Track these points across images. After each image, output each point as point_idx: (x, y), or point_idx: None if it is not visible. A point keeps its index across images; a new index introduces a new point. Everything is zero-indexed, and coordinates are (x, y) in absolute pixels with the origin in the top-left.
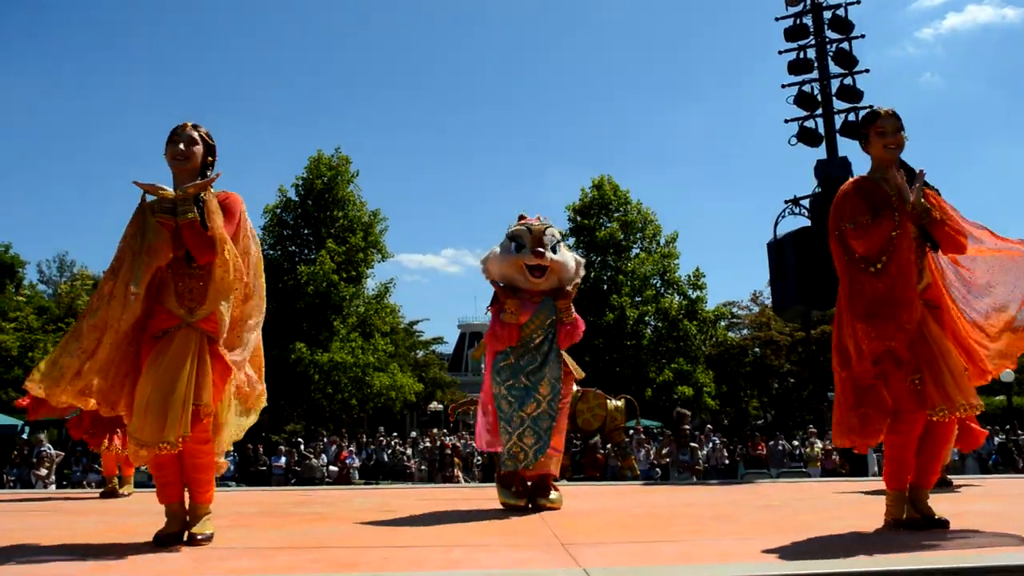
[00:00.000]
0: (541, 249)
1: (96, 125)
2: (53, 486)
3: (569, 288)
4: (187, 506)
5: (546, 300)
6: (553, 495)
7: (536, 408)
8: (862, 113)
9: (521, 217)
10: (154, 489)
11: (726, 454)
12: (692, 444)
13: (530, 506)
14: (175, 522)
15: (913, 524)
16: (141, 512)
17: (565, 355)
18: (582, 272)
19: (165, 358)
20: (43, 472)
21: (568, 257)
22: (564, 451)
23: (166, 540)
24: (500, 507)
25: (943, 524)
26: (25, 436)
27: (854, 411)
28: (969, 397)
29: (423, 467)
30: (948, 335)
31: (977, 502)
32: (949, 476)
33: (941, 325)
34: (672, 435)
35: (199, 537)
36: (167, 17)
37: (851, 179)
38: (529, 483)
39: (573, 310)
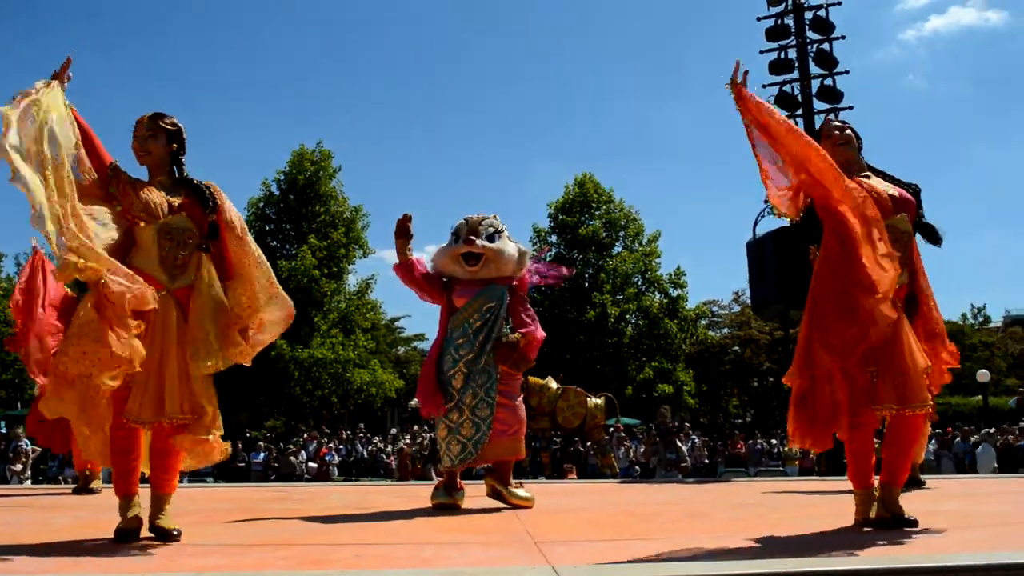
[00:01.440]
0: (472, 237)
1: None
2: (28, 481)
3: (507, 343)
4: (150, 499)
5: (490, 286)
6: (522, 491)
7: (473, 398)
8: (842, 115)
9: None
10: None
11: (706, 453)
12: (678, 442)
13: (457, 505)
14: (130, 516)
15: (882, 523)
16: (113, 508)
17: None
18: (527, 262)
19: (155, 332)
20: (18, 467)
21: (509, 246)
22: (545, 448)
23: (127, 536)
24: (476, 505)
25: (912, 523)
26: (3, 430)
27: (803, 413)
28: (921, 394)
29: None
30: (919, 326)
31: (949, 501)
32: (922, 476)
33: (915, 316)
34: (656, 433)
35: (174, 532)
36: (147, 6)
37: None
38: (459, 480)
39: (515, 347)
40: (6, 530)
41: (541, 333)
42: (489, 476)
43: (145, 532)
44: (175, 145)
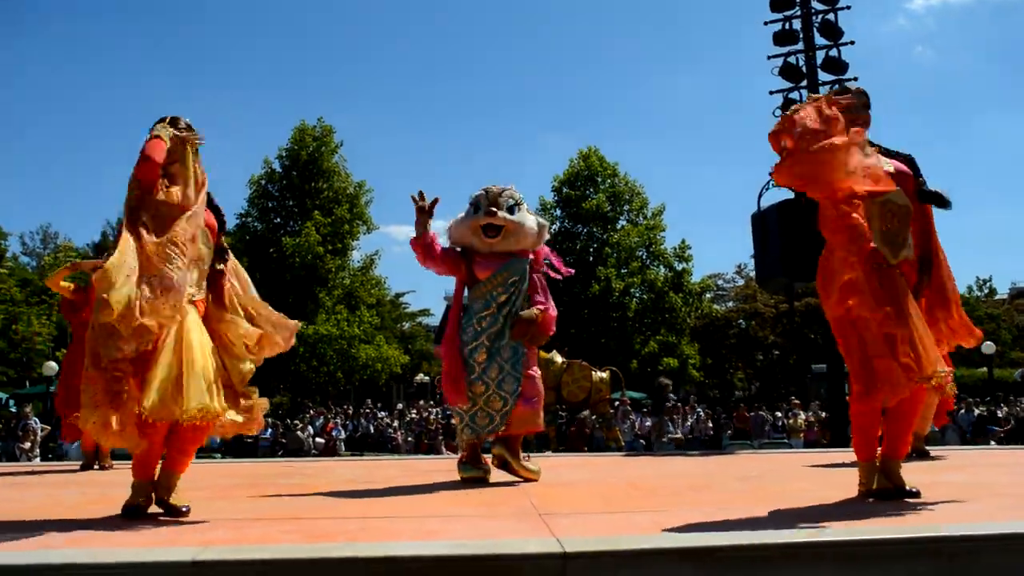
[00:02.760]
0: (494, 209)
1: (79, 94)
2: (38, 459)
3: (525, 319)
4: (158, 475)
5: (513, 260)
6: (530, 465)
7: (499, 372)
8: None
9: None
10: (131, 462)
11: (711, 425)
12: (675, 415)
13: (499, 466)
14: (142, 494)
15: (884, 494)
16: (120, 484)
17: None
18: (546, 235)
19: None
20: (27, 445)
21: (528, 219)
22: (550, 421)
23: (134, 512)
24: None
25: (914, 494)
26: (12, 409)
27: (894, 359)
28: (939, 364)
29: (409, 439)
30: (933, 295)
31: (951, 473)
32: (926, 447)
33: (925, 285)
34: (655, 406)
35: (183, 509)
36: None
37: None
38: (497, 450)
39: (532, 322)
40: (15, 506)
41: (554, 311)
42: (499, 445)
43: (152, 507)
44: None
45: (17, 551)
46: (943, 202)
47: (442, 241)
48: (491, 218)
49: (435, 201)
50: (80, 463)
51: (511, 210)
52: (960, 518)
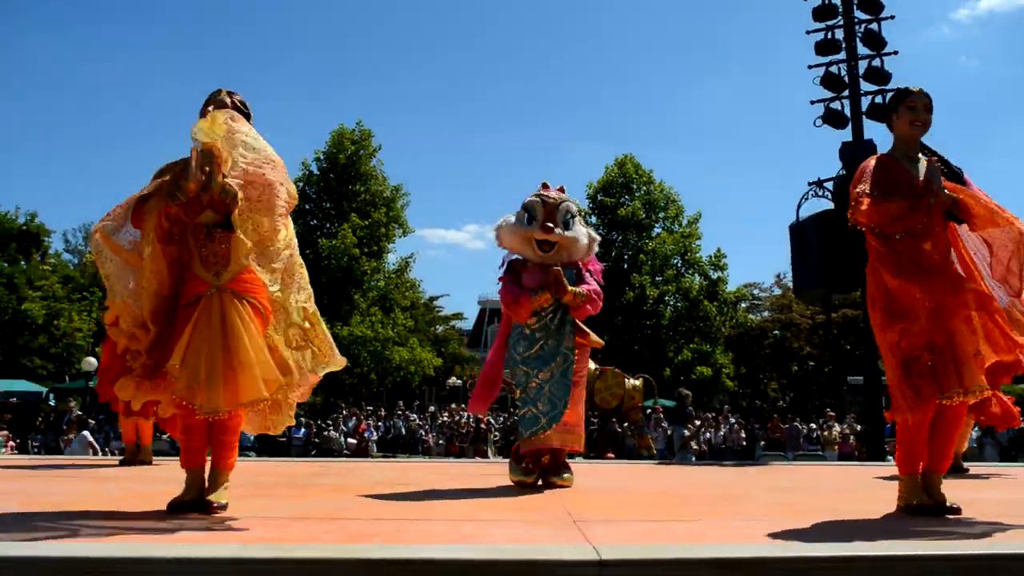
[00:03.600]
0: (551, 225)
1: (121, 94)
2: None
3: (570, 292)
4: (207, 472)
5: (565, 270)
6: (565, 474)
7: (550, 376)
8: (890, 95)
9: (544, 186)
10: (173, 458)
11: (743, 435)
12: (693, 424)
13: (540, 483)
14: (192, 490)
15: (925, 510)
16: (161, 480)
17: (581, 324)
18: (595, 248)
19: (210, 324)
20: (70, 437)
21: (581, 233)
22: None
23: (180, 507)
24: (513, 485)
25: (955, 511)
26: (52, 403)
27: (905, 383)
28: (980, 379)
29: (441, 441)
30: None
31: (992, 490)
32: (963, 462)
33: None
34: (675, 415)
35: (215, 505)
36: None
37: (873, 156)
38: (543, 459)
39: (580, 296)
40: (57, 499)
41: (597, 306)
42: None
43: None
44: None
45: (58, 544)
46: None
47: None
48: (547, 235)
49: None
50: (120, 457)
51: (567, 224)
52: (1002, 536)
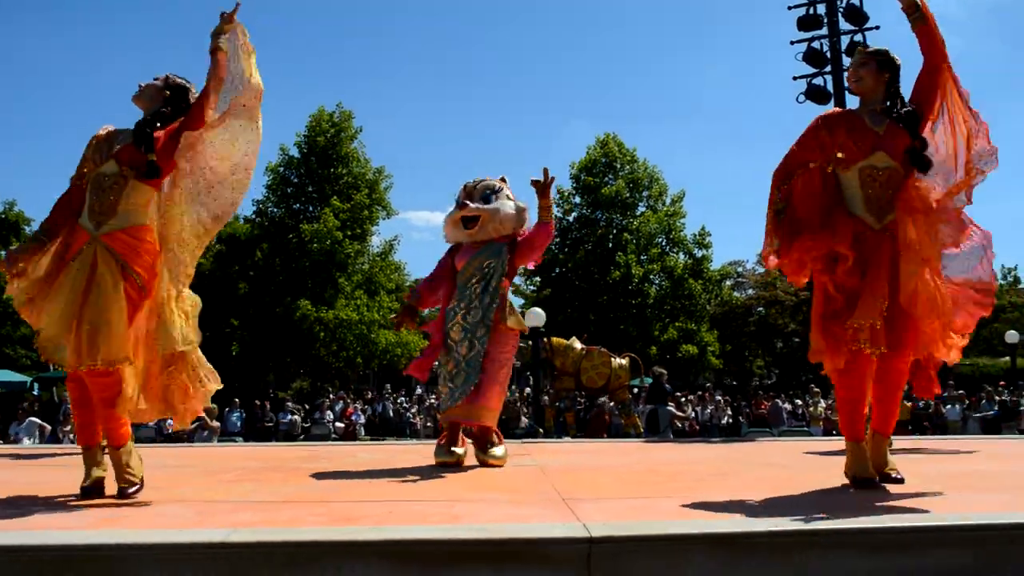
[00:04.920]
0: (466, 201)
1: (97, 79)
2: None
3: (542, 181)
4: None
5: (488, 245)
6: (496, 450)
7: (469, 350)
8: None
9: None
10: (157, 445)
11: (729, 412)
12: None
13: (459, 463)
14: (90, 469)
15: (865, 483)
16: (148, 467)
17: (509, 307)
18: (526, 217)
19: (77, 279)
20: (68, 428)
21: (506, 204)
22: (569, 407)
23: (86, 491)
24: (485, 466)
25: (897, 481)
26: (36, 392)
27: (827, 323)
28: (870, 314)
29: (428, 424)
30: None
31: (979, 462)
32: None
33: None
34: (652, 395)
35: (129, 491)
36: None
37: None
38: (467, 439)
39: (550, 211)
40: (43, 488)
41: (549, 226)
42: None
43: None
44: (167, 93)
45: (47, 531)
46: (923, 165)
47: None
48: (463, 210)
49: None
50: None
51: (487, 199)
52: (989, 507)
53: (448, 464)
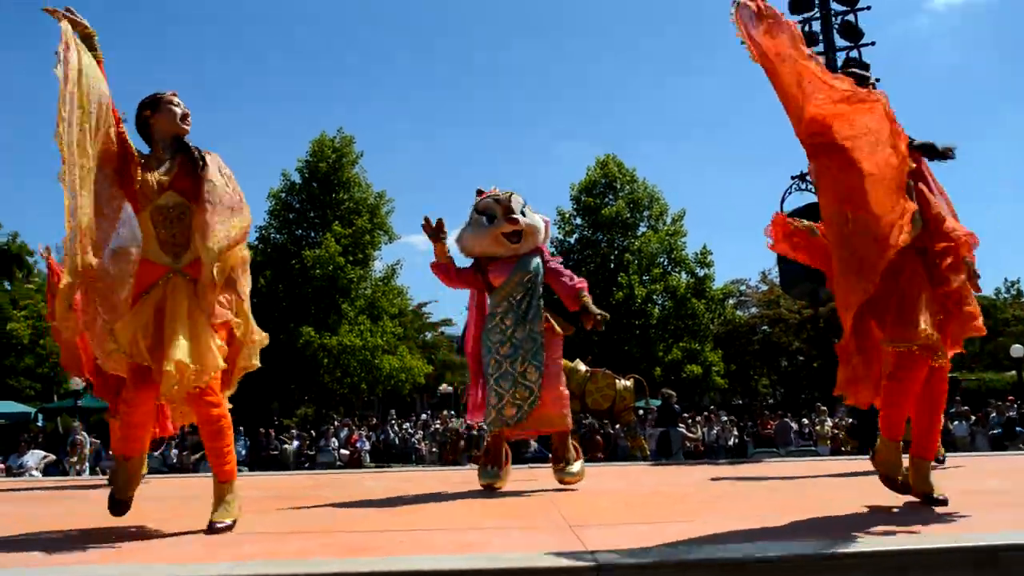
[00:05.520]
0: (514, 216)
1: None
2: (86, 473)
3: (594, 314)
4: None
5: (522, 259)
6: (574, 467)
7: (523, 364)
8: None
9: (479, 192)
10: (167, 475)
11: (735, 433)
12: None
13: (499, 488)
14: (126, 483)
15: (900, 487)
16: (152, 498)
17: (548, 313)
18: (551, 231)
19: (170, 311)
20: (74, 459)
21: (536, 219)
22: (574, 430)
23: (115, 507)
24: (508, 490)
25: (942, 502)
26: (40, 424)
27: (856, 355)
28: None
29: (434, 449)
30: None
31: (987, 479)
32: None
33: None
34: (661, 417)
35: (218, 525)
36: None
37: None
38: (505, 456)
39: (596, 312)
40: (48, 521)
41: (583, 280)
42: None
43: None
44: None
45: (50, 566)
46: (937, 153)
47: (454, 254)
48: (515, 225)
49: (440, 222)
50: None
51: (522, 213)
52: (1001, 526)
53: (494, 487)
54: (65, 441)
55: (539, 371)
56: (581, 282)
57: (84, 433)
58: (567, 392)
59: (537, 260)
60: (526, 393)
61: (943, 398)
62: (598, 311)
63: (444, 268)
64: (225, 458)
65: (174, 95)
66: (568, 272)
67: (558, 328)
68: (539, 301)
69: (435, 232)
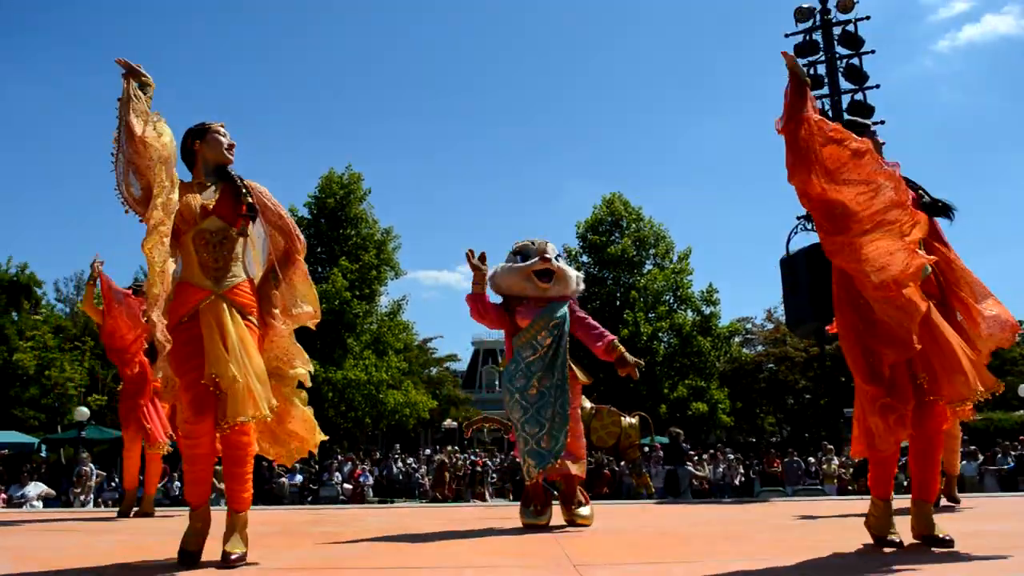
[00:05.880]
0: (548, 256)
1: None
2: (91, 504)
3: (631, 363)
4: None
5: (551, 304)
6: (584, 510)
7: (551, 411)
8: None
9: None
10: (168, 508)
11: (741, 471)
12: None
13: (548, 524)
14: (195, 535)
15: (889, 543)
16: (157, 531)
17: (571, 361)
18: (582, 285)
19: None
20: (78, 490)
21: (570, 269)
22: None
23: (186, 559)
24: (512, 527)
25: (947, 543)
26: (44, 454)
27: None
28: (975, 384)
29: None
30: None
31: (992, 522)
32: (960, 494)
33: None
34: (669, 456)
35: (232, 557)
36: (181, 31)
37: None
38: (555, 491)
39: (629, 360)
40: (48, 555)
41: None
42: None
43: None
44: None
45: None
46: (941, 210)
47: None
48: (547, 263)
49: (483, 256)
50: (116, 509)
51: (557, 259)
52: (1006, 570)
53: (539, 525)
54: (68, 472)
55: (566, 419)
56: (610, 335)
57: (91, 465)
58: (584, 442)
59: (565, 308)
60: (551, 442)
61: (940, 438)
62: (634, 359)
63: (477, 298)
64: (245, 485)
65: (221, 125)
66: (596, 323)
67: (580, 376)
68: (566, 349)
69: (476, 264)
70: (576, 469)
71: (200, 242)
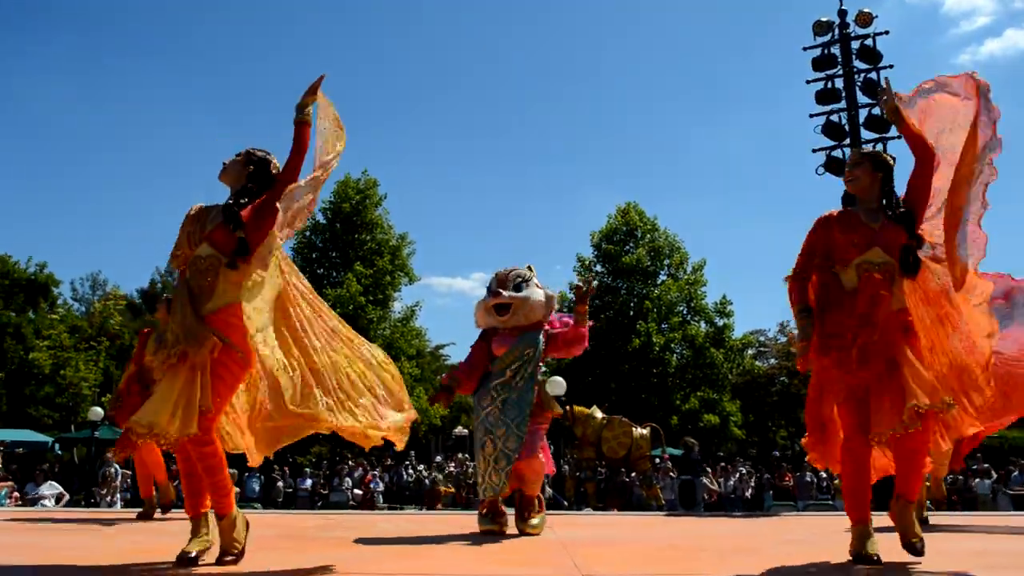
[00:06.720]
0: (500, 290)
1: (129, 144)
2: (118, 504)
3: (584, 289)
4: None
5: (524, 336)
6: (534, 520)
7: (506, 432)
8: (891, 144)
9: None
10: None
11: (752, 484)
12: (703, 477)
13: (502, 531)
14: (196, 541)
15: (866, 559)
16: (170, 533)
17: (543, 389)
18: (554, 304)
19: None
20: (104, 491)
21: (535, 293)
22: (590, 478)
23: (180, 559)
24: (522, 536)
25: (917, 553)
26: (58, 452)
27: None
28: (922, 399)
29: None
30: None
31: (1002, 541)
32: (927, 513)
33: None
34: (683, 466)
35: (227, 559)
36: (195, 32)
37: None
38: (501, 507)
39: (586, 316)
40: (66, 553)
41: (585, 329)
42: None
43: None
44: (250, 167)
45: None
46: (910, 269)
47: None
48: (497, 298)
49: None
50: (138, 511)
51: (518, 287)
52: None
53: (493, 532)
54: (80, 472)
55: (519, 440)
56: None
57: (116, 465)
58: (543, 461)
59: (538, 336)
60: (504, 462)
61: (924, 448)
62: (584, 279)
63: (459, 382)
64: (221, 491)
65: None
66: (568, 322)
67: (548, 405)
68: (534, 374)
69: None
70: (528, 487)
71: (191, 268)
